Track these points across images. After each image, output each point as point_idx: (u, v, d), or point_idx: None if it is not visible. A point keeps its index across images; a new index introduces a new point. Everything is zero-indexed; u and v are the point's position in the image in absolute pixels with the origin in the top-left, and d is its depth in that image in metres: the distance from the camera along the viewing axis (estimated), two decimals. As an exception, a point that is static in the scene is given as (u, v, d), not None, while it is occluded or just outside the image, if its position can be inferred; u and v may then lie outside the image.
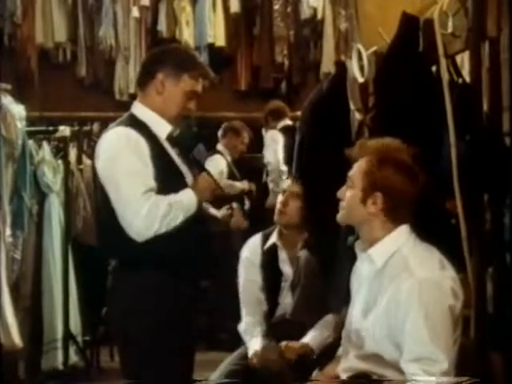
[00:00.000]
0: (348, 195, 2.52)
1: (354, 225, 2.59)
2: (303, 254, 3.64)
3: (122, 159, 2.78)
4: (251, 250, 3.77)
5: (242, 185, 6.69)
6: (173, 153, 2.91)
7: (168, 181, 2.83)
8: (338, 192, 2.56)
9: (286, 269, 3.71)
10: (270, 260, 3.72)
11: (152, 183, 2.78)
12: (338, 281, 3.36)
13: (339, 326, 3.46)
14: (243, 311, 3.73)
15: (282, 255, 3.72)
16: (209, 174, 2.96)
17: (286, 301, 3.71)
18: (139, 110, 2.92)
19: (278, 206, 3.72)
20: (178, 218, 2.78)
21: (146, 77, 2.93)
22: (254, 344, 3.56)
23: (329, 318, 3.57)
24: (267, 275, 3.71)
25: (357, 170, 2.50)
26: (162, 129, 2.90)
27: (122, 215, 2.76)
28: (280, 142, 6.58)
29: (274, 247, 3.74)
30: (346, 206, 2.53)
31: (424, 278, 2.34)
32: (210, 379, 3.45)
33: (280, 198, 3.75)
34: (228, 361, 3.63)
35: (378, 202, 2.45)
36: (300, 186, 3.68)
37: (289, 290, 3.71)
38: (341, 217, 2.56)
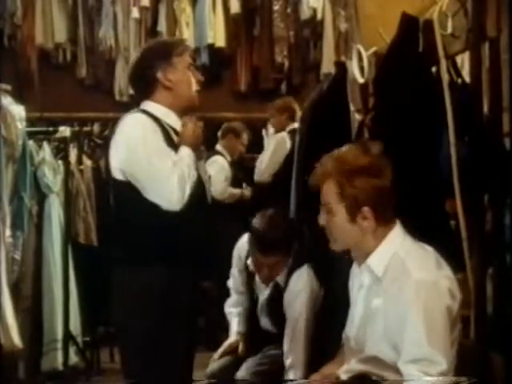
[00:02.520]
0: (335, 223, 2.45)
1: (350, 247, 2.52)
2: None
3: (149, 138, 2.80)
4: (239, 246, 3.84)
5: (244, 191, 6.69)
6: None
7: None
8: (319, 221, 2.49)
9: None
10: None
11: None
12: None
13: None
14: (231, 292, 3.89)
15: None
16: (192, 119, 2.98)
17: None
18: (150, 106, 2.93)
19: None
20: (190, 173, 2.81)
21: (147, 83, 2.94)
22: (233, 326, 3.81)
23: None
24: None
25: (329, 196, 2.44)
26: (174, 123, 2.93)
27: (157, 190, 2.76)
28: (270, 148, 6.49)
29: None
30: (338, 234, 2.47)
31: (421, 279, 2.32)
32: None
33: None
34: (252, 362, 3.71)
35: (368, 215, 2.40)
36: None
37: None
38: (335, 246, 2.51)
